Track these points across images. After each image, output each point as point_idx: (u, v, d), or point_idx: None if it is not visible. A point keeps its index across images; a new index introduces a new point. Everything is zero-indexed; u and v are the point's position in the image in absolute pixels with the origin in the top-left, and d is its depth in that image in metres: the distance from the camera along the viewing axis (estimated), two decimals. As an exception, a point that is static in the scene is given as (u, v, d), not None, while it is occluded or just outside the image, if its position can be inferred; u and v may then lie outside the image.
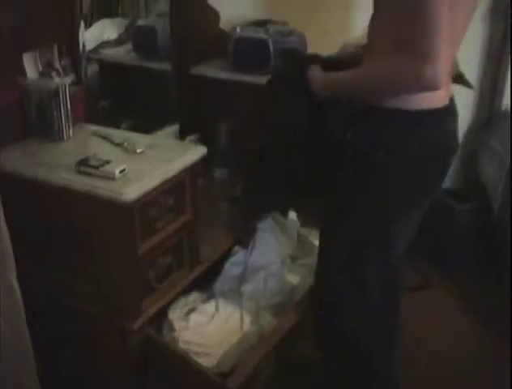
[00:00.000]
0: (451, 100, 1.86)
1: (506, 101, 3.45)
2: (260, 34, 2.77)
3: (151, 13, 3.09)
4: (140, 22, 2.96)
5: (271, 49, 2.72)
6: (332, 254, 2.00)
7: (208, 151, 2.16)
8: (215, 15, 3.01)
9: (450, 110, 1.84)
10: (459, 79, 3.02)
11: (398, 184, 1.83)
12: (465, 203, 3.37)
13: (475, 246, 3.31)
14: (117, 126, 2.62)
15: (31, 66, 2.17)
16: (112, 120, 2.62)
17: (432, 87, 1.61)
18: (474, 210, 3.36)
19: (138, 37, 2.89)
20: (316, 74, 1.95)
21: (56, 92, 2.12)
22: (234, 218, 2.54)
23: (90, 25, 2.73)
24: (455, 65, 2.99)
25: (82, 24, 2.41)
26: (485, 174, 3.38)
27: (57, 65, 2.22)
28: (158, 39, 2.87)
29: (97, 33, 2.84)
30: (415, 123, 1.78)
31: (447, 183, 3.61)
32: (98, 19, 2.85)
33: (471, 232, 3.34)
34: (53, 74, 2.19)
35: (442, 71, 1.57)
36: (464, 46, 2.75)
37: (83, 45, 2.43)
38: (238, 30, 2.81)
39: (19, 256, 1.82)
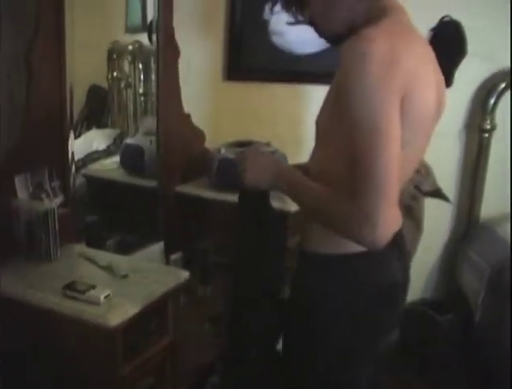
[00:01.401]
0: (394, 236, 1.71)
1: (484, 214, 3.55)
2: (243, 155, 2.84)
3: (139, 127, 3.19)
4: (128, 140, 3.05)
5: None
6: None
7: (192, 269, 2.23)
8: (201, 135, 3.13)
9: (388, 249, 1.61)
10: (437, 193, 3.12)
11: (344, 335, 1.73)
12: (446, 314, 3.42)
13: (458, 357, 3.34)
14: (104, 241, 2.69)
15: (22, 188, 2.25)
16: (99, 235, 2.69)
17: (369, 247, 1.51)
18: (455, 321, 3.41)
19: (126, 155, 2.98)
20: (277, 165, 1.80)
21: (45, 214, 2.19)
22: (216, 336, 2.57)
23: (79, 134, 2.79)
24: (433, 180, 3.10)
25: (71, 134, 2.50)
26: (465, 285, 3.44)
27: (47, 187, 2.31)
28: (145, 157, 2.96)
29: (86, 143, 2.91)
30: (343, 268, 1.70)
31: (428, 294, 3.68)
32: (88, 127, 2.92)
33: (452, 342, 3.38)
34: (43, 195, 2.28)
35: (383, 234, 1.45)
36: (441, 161, 2.88)
37: (72, 155, 2.51)
38: (222, 151, 2.92)
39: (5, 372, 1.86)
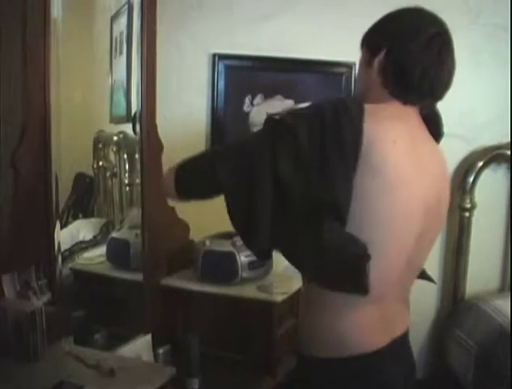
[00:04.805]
0: (394, 341, 1.72)
1: (469, 291, 3.59)
2: (227, 247, 2.90)
3: (124, 218, 3.22)
4: (114, 234, 3.07)
5: (238, 261, 2.86)
6: None
7: (179, 362, 2.24)
8: (185, 227, 3.16)
9: (386, 353, 1.69)
10: (421, 275, 3.15)
11: None
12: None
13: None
14: (91, 335, 2.70)
15: (9, 288, 2.27)
16: (86, 329, 2.69)
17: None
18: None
19: (112, 249, 3.01)
20: None
21: (32, 315, 2.19)
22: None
23: (66, 223, 2.82)
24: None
25: (58, 225, 2.53)
26: (454, 363, 3.44)
27: (35, 285, 2.34)
28: (130, 251, 2.99)
29: (73, 234, 2.92)
30: (341, 371, 1.68)
31: (417, 375, 3.67)
32: (74, 215, 2.94)
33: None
34: (30, 293, 2.30)
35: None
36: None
37: (59, 246, 2.53)
38: (207, 243, 2.95)
39: None
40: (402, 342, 1.78)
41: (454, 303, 3.60)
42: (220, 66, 3.22)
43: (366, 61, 1.73)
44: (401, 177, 1.58)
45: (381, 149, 1.55)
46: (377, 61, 1.68)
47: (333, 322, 1.66)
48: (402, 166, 1.58)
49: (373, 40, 1.73)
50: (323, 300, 1.68)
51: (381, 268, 1.62)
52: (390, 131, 1.58)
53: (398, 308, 1.79)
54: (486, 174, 3.57)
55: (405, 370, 1.80)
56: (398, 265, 1.68)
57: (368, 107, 1.59)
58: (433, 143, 1.78)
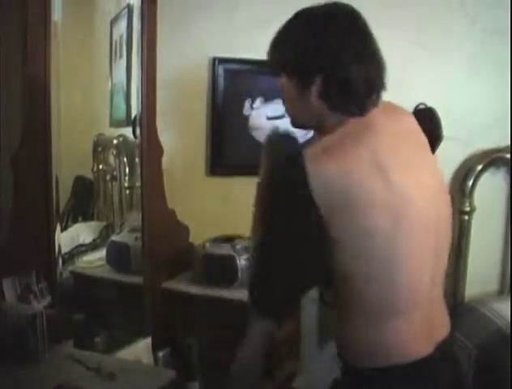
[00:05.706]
0: (438, 347, 1.64)
1: (468, 294, 3.59)
2: (227, 250, 2.90)
3: (124, 221, 3.22)
4: (114, 237, 3.08)
5: (238, 264, 2.85)
6: None
7: (179, 365, 2.23)
8: (185, 231, 3.18)
9: (432, 360, 1.61)
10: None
11: None
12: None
13: None
14: (91, 338, 2.70)
15: (10, 291, 2.27)
16: (86, 332, 2.68)
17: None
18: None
19: (112, 253, 3.01)
20: None
21: (33, 318, 2.20)
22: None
23: (66, 226, 2.83)
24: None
25: (58, 227, 2.54)
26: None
27: (35, 288, 2.34)
28: (130, 254, 3.00)
29: (73, 237, 2.93)
30: (383, 381, 1.59)
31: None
32: (74, 218, 2.95)
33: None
34: (31, 296, 2.30)
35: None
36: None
37: (59, 249, 2.54)
38: (207, 246, 2.96)
39: None
40: (446, 346, 1.71)
41: (454, 306, 3.59)
42: (220, 70, 3.22)
43: (296, 91, 1.59)
44: (403, 195, 1.54)
45: (373, 186, 1.48)
46: (314, 90, 1.54)
47: (376, 331, 1.59)
48: (402, 184, 1.54)
49: (301, 69, 1.57)
50: (363, 309, 1.60)
51: (413, 271, 1.58)
52: (373, 160, 1.49)
53: (440, 311, 1.75)
54: (485, 178, 3.56)
55: (452, 376, 1.74)
56: (429, 264, 1.64)
57: (337, 145, 1.51)
58: (414, 128, 1.70)
